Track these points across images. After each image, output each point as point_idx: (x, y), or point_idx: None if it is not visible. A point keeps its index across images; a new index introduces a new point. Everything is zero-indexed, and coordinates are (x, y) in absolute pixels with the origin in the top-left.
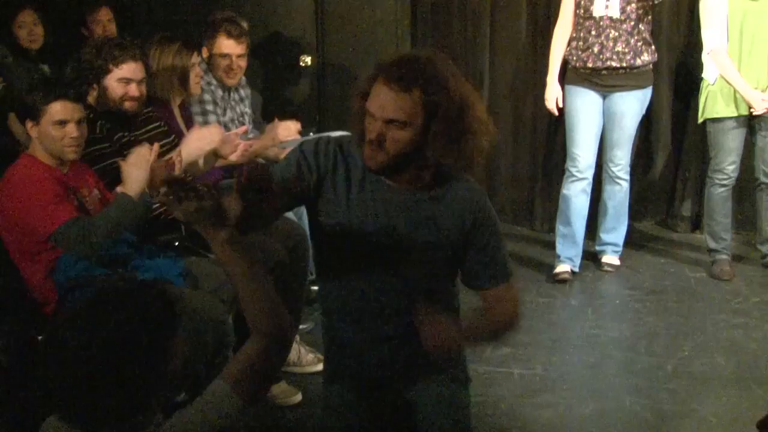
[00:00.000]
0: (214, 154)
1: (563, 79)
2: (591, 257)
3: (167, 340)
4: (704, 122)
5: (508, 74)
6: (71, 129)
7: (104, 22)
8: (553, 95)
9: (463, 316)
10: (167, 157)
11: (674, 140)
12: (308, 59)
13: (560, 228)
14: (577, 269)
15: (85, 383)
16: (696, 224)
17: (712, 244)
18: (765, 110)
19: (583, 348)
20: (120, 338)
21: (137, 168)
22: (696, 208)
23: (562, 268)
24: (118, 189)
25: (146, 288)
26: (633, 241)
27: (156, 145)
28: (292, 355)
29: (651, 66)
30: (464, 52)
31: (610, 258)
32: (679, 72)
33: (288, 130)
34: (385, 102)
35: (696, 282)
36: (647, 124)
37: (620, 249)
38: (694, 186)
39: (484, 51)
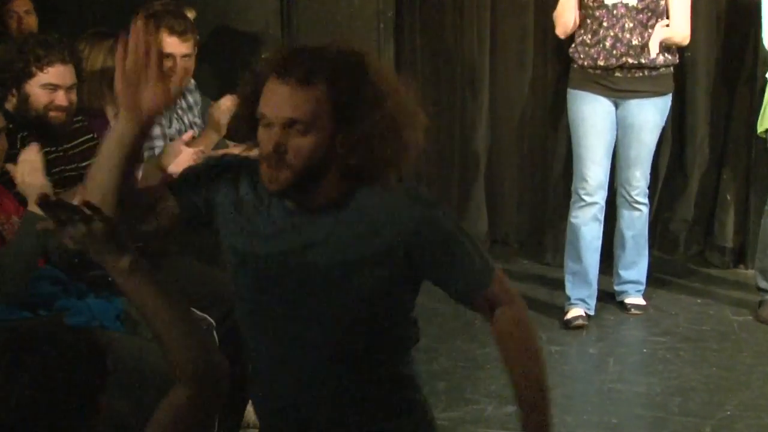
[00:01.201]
0: (158, 167)
1: (566, 82)
2: (610, 297)
3: (92, 398)
4: (767, 135)
5: (512, 77)
6: None
7: (20, 14)
8: None
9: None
10: None
11: (713, 155)
12: None
13: (569, 264)
14: (592, 312)
15: None
16: (739, 257)
17: (763, 284)
18: None
19: (603, 406)
20: (32, 397)
21: (31, 176)
22: (740, 237)
23: (575, 312)
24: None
25: (67, 334)
26: (663, 278)
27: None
28: (252, 415)
29: (672, 69)
30: (459, 50)
31: (635, 298)
32: (719, 75)
33: (223, 109)
34: (281, 101)
35: (740, 327)
36: (681, 136)
37: (643, 287)
38: (737, 211)
39: (483, 49)
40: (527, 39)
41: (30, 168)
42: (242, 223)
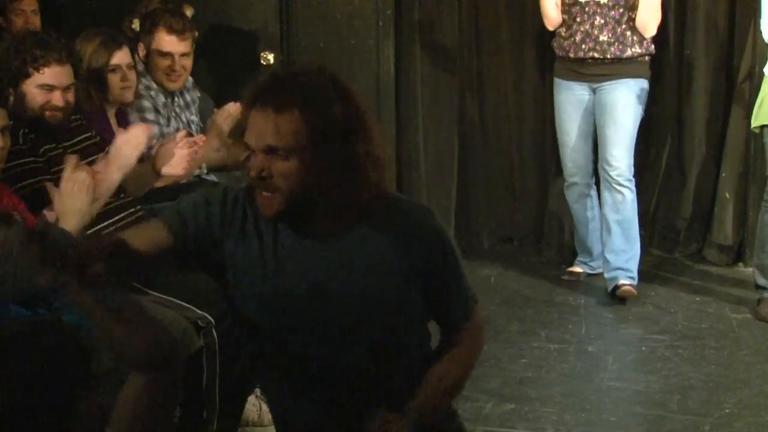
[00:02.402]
0: (153, 170)
1: (552, 72)
2: (609, 295)
3: (73, 399)
4: (761, 130)
5: (511, 75)
6: None
7: (28, 13)
8: None
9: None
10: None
11: (711, 152)
12: (270, 56)
13: (575, 230)
14: (592, 272)
15: None
16: (738, 255)
17: (761, 281)
18: None
19: (602, 404)
20: (19, 394)
21: (75, 200)
22: (738, 235)
23: (574, 268)
24: (45, 213)
25: (48, 335)
26: (662, 276)
27: (73, 157)
28: (251, 413)
29: (646, 58)
30: (458, 47)
31: (624, 281)
32: (718, 72)
33: (226, 115)
34: (261, 129)
35: (739, 325)
36: (679, 133)
37: (634, 276)
38: (735, 209)
39: (482, 46)
40: (526, 37)
41: (79, 189)
42: (257, 262)
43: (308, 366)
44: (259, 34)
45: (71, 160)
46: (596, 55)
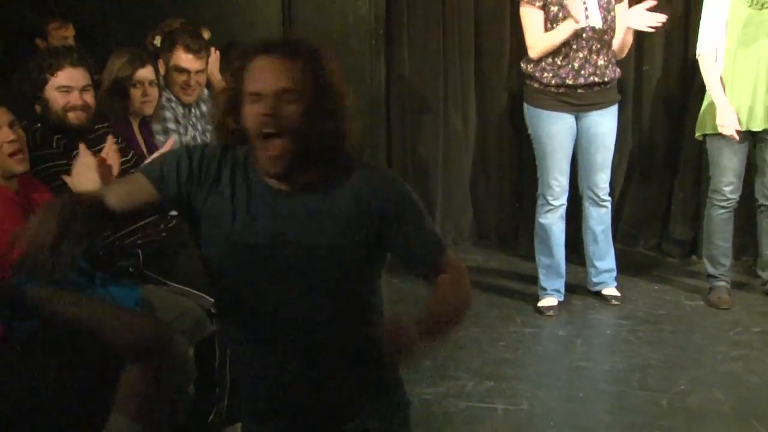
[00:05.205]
0: None
1: (522, 100)
2: (578, 287)
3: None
4: (704, 138)
5: (490, 89)
6: (5, 134)
7: (59, 35)
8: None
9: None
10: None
11: (668, 157)
12: None
13: (542, 259)
14: (562, 299)
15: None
16: (693, 249)
17: (711, 270)
18: (731, 135)
19: (571, 382)
20: (61, 380)
21: (85, 178)
22: (692, 230)
23: (550, 301)
24: None
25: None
26: (625, 268)
27: (111, 139)
28: None
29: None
30: (443, 63)
31: (611, 289)
32: (674, 83)
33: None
34: (272, 72)
35: (693, 311)
36: (639, 139)
37: (616, 272)
38: (690, 207)
39: (465, 63)
40: (504, 54)
41: (84, 169)
42: (227, 211)
43: (267, 315)
44: None
45: (82, 146)
46: (597, 79)
